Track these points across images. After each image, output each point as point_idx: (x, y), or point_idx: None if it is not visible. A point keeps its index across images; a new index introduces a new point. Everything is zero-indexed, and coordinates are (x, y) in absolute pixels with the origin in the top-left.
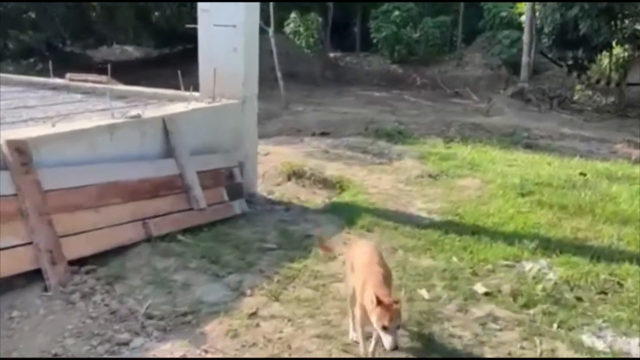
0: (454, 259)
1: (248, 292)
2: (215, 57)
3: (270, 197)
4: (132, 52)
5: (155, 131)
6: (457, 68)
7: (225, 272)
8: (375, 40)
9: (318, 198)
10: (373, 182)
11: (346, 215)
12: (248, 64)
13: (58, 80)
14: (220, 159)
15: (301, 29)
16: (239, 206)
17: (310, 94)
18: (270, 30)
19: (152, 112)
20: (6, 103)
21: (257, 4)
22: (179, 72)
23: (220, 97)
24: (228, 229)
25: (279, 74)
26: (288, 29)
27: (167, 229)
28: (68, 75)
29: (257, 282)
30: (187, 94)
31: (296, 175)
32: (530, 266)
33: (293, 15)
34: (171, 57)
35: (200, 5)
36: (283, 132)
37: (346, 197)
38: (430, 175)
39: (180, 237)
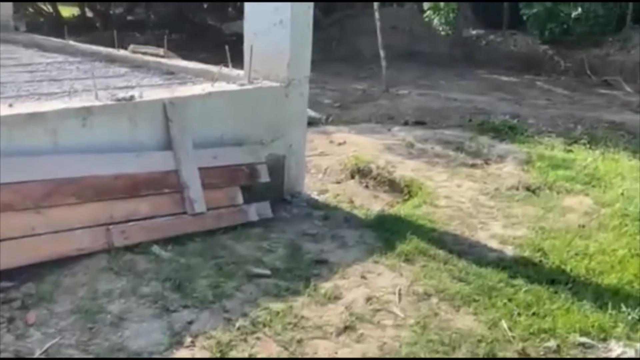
0: (504, 323)
1: (189, 340)
2: (260, 31)
3: (318, 198)
4: None
5: (152, 118)
6: (619, 52)
7: (180, 306)
8: (525, 17)
9: (377, 203)
10: (450, 190)
11: (390, 233)
12: (296, 41)
13: (117, 52)
14: (241, 153)
15: (441, 4)
16: (255, 211)
17: (425, 75)
18: (376, 3)
19: (157, 93)
20: (31, 75)
21: None
22: (227, 47)
23: (263, 78)
24: (227, 241)
25: (381, 52)
26: (426, 4)
27: (140, 237)
28: (130, 46)
29: (210, 326)
30: (237, 73)
31: (361, 173)
32: (620, 351)
33: None
34: None
35: None
36: (373, 118)
37: (405, 207)
38: (528, 188)
39: (154, 248)
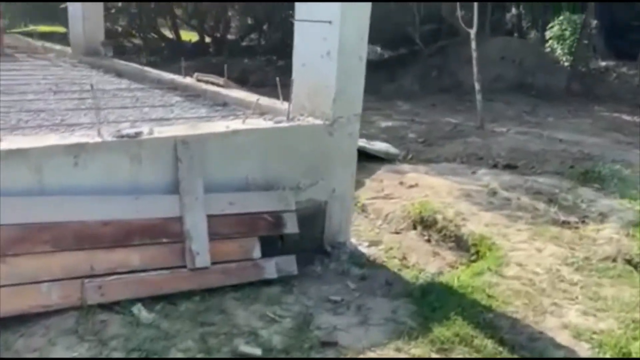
0: None
1: None
2: (308, 62)
3: (365, 251)
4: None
5: (159, 158)
6: None
7: None
8: None
9: (434, 263)
10: (526, 254)
11: (432, 309)
12: (344, 74)
13: (182, 80)
14: (264, 198)
15: (567, 32)
16: (275, 267)
17: (532, 111)
18: (472, 32)
19: (172, 130)
20: (77, 103)
21: None
22: (277, 79)
23: (309, 114)
24: (229, 302)
25: (476, 85)
26: (550, 32)
27: (122, 294)
28: (195, 74)
29: None
30: (286, 107)
31: (424, 223)
32: None
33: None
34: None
35: None
36: (458, 157)
37: (463, 273)
38: (629, 261)
39: (136, 308)
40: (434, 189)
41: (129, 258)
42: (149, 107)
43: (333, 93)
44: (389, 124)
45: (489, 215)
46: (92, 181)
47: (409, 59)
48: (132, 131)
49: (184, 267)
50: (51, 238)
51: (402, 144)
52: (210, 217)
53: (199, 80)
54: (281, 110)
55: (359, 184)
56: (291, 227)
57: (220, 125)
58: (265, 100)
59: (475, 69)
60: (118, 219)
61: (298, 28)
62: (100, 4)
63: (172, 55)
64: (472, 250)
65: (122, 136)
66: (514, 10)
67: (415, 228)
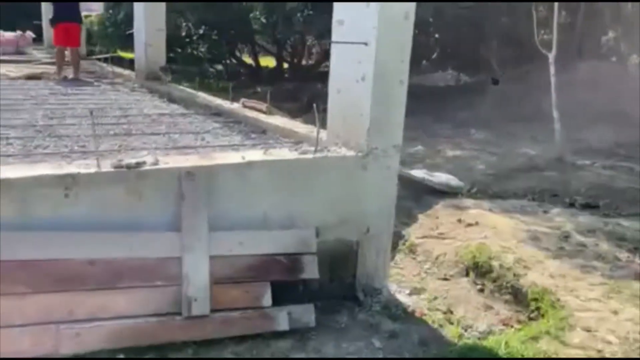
0: None
1: None
2: (343, 88)
3: (404, 300)
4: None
5: (161, 191)
6: None
7: None
8: None
9: (485, 319)
10: (598, 316)
11: None
12: (380, 101)
13: (226, 105)
14: (280, 238)
15: None
16: (287, 317)
17: (627, 142)
18: (551, 55)
19: (179, 160)
20: (109, 128)
21: (405, 13)
22: (314, 105)
23: (344, 144)
24: (228, 357)
25: (554, 113)
26: None
27: (101, 343)
28: (242, 100)
29: None
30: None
31: (478, 270)
32: None
33: None
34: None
35: (335, 14)
36: (530, 193)
37: (516, 336)
38: None
39: None
40: (495, 229)
41: (114, 302)
42: (181, 133)
43: (367, 122)
44: (458, 153)
45: (556, 264)
46: (83, 215)
47: (487, 85)
48: (132, 161)
49: (179, 314)
50: (28, 278)
51: (468, 176)
52: (214, 258)
53: (244, 106)
54: (320, 140)
55: (411, 220)
56: (310, 271)
57: (235, 156)
58: (304, 128)
59: (553, 95)
60: (106, 258)
61: (335, 51)
62: (163, 32)
63: (249, 80)
64: (532, 306)
65: (121, 167)
66: (610, 34)
67: (467, 275)
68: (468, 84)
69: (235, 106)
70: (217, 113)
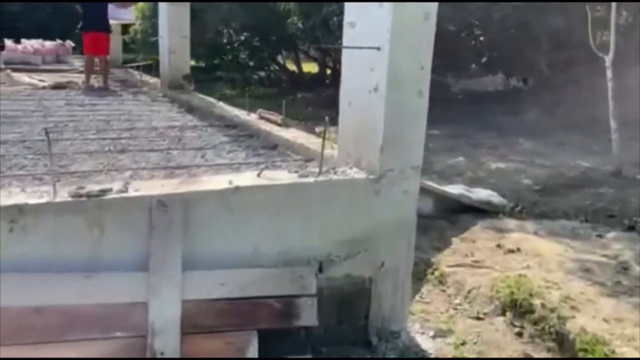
0: None
1: None
2: (355, 99)
3: (425, 346)
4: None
5: (128, 224)
6: None
7: None
8: None
9: None
10: None
11: None
12: (395, 115)
13: (241, 117)
14: (272, 278)
15: None
16: None
17: None
18: (608, 58)
19: (153, 186)
20: (104, 144)
21: (425, 14)
22: (327, 118)
23: (355, 164)
24: None
25: (612, 122)
26: None
27: None
28: (258, 111)
29: None
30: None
31: (516, 309)
32: None
33: None
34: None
35: (346, 15)
36: (582, 213)
37: None
38: None
39: None
40: (540, 256)
41: (62, 357)
42: (182, 149)
43: (380, 139)
44: (502, 165)
45: (611, 304)
46: (32, 254)
47: (537, 90)
48: (95, 189)
49: None
50: None
51: (512, 192)
52: (188, 302)
53: (260, 117)
54: (331, 158)
55: (444, 244)
56: (307, 317)
57: (221, 181)
58: (316, 144)
59: (611, 102)
60: (57, 305)
61: (346, 57)
62: (187, 39)
63: (290, 87)
64: (580, 356)
65: (80, 195)
66: None
67: (504, 314)
68: (517, 89)
69: (251, 117)
70: (232, 125)
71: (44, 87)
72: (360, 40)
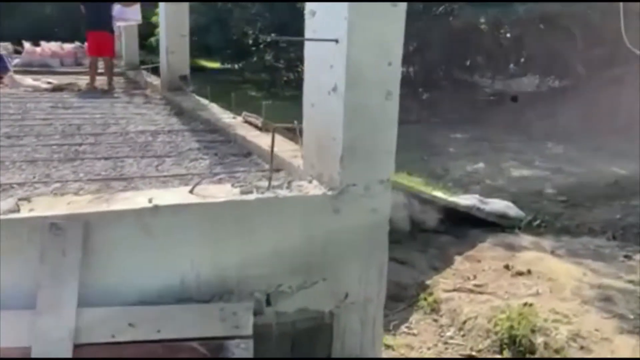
0: None
1: None
2: (317, 102)
3: None
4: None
5: (14, 251)
6: None
7: None
8: None
9: None
10: None
11: None
12: (357, 120)
13: (225, 120)
14: (194, 316)
15: None
16: None
17: None
18: None
19: (54, 205)
20: (64, 149)
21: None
22: (295, 122)
23: (316, 177)
24: None
25: None
26: None
27: None
28: (243, 113)
29: None
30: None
31: (515, 347)
32: None
33: None
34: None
35: (308, 3)
36: (610, 229)
37: None
38: None
39: None
40: (553, 281)
41: None
42: (142, 157)
43: (340, 148)
44: (526, 172)
45: (631, 344)
46: None
47: (574, 91)
48: None
49: None
50: None
51: (533, 203)
52: (84, 348)
53: (246, 121)
54: (297, 169)
55: (445, 263)
56: None
57: (140, 199)
58: (288, 152)
59: None
60: None
61: (307, 51)
62: (186, 38)
63: None
64: None
65: None
66: None
67: (501, 351)
68: (553, 90)
69: (236, 121)
70: (214, 129)
71: (43, 89)
72: (320, 31)
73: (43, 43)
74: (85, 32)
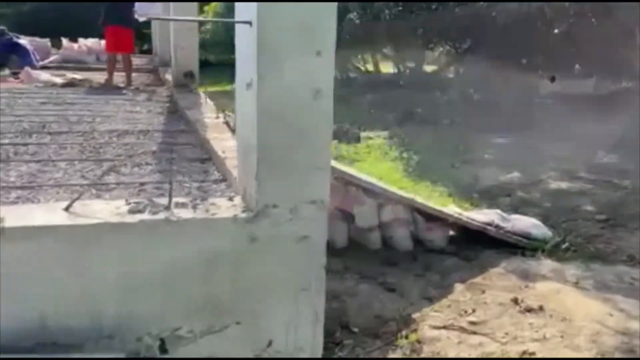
0: None
1: None
2: (238, 98)
3: None
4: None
5: None
6: None
7: None
8: None
9: None
10: None
11: None
12: (274, 125)
13: (210, 120)
14: None
15: None
16: None
17: None
18: None
19: None
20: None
21: None
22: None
23: (241, 194)
24: None
25: None
26: None
27: None
28: (225, 112)
29: None
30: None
31: None
32: None
33: None
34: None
35: None
36: None
37: None
38: None
39: None
40: (568, 322)
41: None
42: (75, 162)
43: (255, 160)
44: (564, 185)
45: None
46: None
47: (632, 95)
48: None
49: None
50: None
51: (566, 222)
52: None
53: (225, 122)
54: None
55: (442, 291)
56: None
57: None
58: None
59: None
60: None
61: (236, 38)
62: (195, 32)
63: (363, 87)
64: None
65: None
66: None
67: None
68: (615, 93)
69: (214, 122)
70: (192, 130)
71: (54, 85)
72: (240, 12)
73: (80, 40)
74: (104, 28)
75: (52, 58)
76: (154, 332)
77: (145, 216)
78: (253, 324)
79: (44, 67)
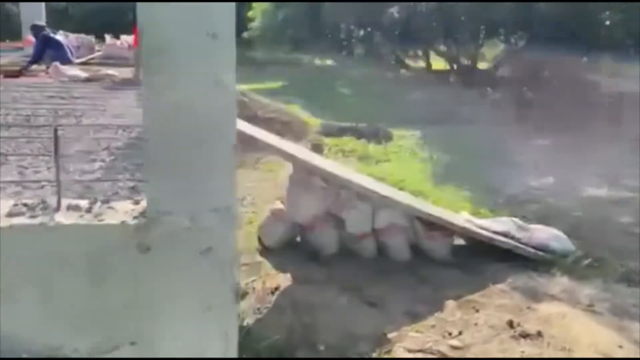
0: None
1: None
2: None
3: None
4: None
5: None
6: None
7: None
8: None
9: None
10: None
11: None
12: (161, 118)
13: None
14: None
15: None
16: None
17: None
18: None
19: None
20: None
21: None
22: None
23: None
24: None
25: None
26: None
27: None
28: None
29: None
30: None
31: None
32: None
33: None
34: None
35: None
36: None
37: None
38: None
39: None
40: (568, 352)
41: None
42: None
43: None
44: (602, 193)
45: None
46: None
47: None
48: None
49: None
50: None
51: (593, 234)
52: None
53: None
54: None
55: (431, 308)
56: None
57: None
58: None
59: None
60: None
61: None
62: None
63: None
64: None
65: None
66: None
67: None
68: None
69: None
70: None
71: (77, 80)
72: None
73: (122, 37)
74: (132, 25)
75: (94, 55)
76: (32, 350)
77: (21, 219)
78: (150, 344)
79: (84, 63)
